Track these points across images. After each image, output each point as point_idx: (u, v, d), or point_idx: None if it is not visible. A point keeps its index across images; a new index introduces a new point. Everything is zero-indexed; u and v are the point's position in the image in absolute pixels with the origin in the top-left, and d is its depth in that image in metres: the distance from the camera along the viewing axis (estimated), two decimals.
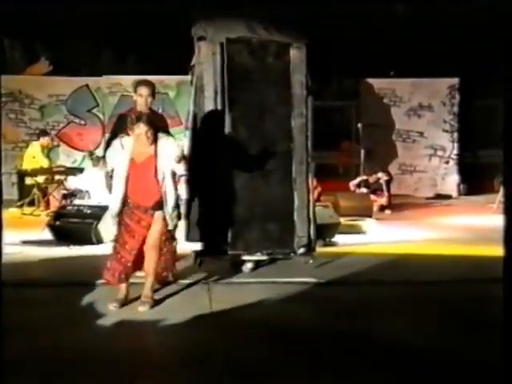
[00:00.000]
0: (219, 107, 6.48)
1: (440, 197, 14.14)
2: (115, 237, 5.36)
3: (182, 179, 8.53)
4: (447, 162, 14.71)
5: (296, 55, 6.58)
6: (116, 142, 5.32)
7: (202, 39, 6.55)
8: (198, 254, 6.55)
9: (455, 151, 14.65)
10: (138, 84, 6.21)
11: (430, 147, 14.77)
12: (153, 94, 6.18)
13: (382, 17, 17.27)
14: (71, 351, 4.20)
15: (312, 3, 13.91)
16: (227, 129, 6.48)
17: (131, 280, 5.36)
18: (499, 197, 10.89)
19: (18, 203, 11.53)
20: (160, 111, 14.13)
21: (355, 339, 4.49)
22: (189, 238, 6.57)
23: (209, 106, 6.50)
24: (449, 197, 13.90)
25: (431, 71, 14.42)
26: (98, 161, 5.43)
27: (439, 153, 14.80)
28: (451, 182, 14.60)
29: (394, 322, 4.88)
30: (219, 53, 6.49)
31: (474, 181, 14.36)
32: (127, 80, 14.36)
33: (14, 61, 17.97)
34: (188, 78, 7.37)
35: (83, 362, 4.04)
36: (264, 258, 6.54)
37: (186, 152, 5.88)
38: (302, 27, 6.71)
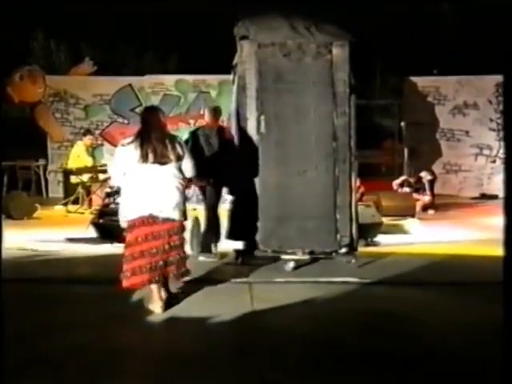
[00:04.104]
0: (260, 106, 6.48)
1: (486, 197, 13.86)
2: None
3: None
4: (494, 161, 14.42)
5: (339, 53, 6.53)
6: None
7: (244, 38, 6.56)
8: (239, 252, 6.57)
9: (502, 150, 14.34)
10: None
11: (476, 146, 14.51)
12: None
13: (425, 15, 17.05)
14: (114, 348, 4.25)
15: (356, 2, 13.80)
16: (264, 129, 6.47)
17: None
18: None
19: (63, 201, 11.74)
20: (202, 111, 14.35)
21: (396, 340, 4.43)
22: (230, 237, 6.60)
23: (251, 105, 6.50)
24: (495, 197, 13.60)
25: (477, 69, 14.16)
26: None
27: (485, 152, 14.52)
28: (498, 181, 14.29)
29: (436, 323, 4.80)
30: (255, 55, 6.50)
31: None
32: (169, 79, 14.52)
33: (60, 62, 18.35)
34: (230, 77, 7.39)
35: (124, 358, 4.08)
36: (306, 257, 6.51)
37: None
38: (345, 26, 6.64)
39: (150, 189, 5.05)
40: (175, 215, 5.11)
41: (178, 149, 5.11)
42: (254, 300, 5.38)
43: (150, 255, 5.01)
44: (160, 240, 5.05)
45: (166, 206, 5.06)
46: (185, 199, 5.29)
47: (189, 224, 7.13)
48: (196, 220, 7.40)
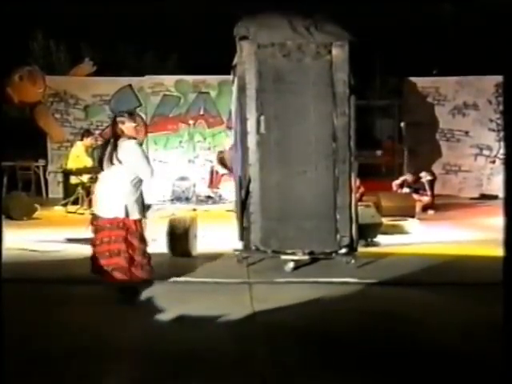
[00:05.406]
0: (260, 107, 6.48)
1: (485, 197, 13.84)
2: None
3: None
4: (493, 162, 14.41)
5: (338, 54, 6.52)
6: None
7: (244, 39, 6.55)
8: (239, 252, 6.57)
9: (502, 150, 14.33)
10: None
11: (476, 146, 14.49)
12: None
13: (425, 15, 17.05)
14: (111, 348, 4.25)
15: (356, 2, 13.81)
16: (264, 129, 6.47)
17: None
18: None
19: (63, 202, 11.73)
20: (202, 111, 14.36)
21: (396, 340, 4.44)
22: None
23: (250, 105, 6.50)
24: (495, 197, 13.59)
25: (477, 69, 14.14)
26: None
27: (485, 152, 14.51)
28: (497, 182, 14.27)
29: (436, 323, 4.80)
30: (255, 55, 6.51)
31: None
32: (169, 80, 14.51)
33: (60, 62, 18.34)
34: (230, 77, 7.39)
35: (124, 359, 4.08)
36: (305, 257, 6.51)
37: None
38: (344, 26, 6.64)
39: (98, 188, 5.76)
40: (116, 213, 5.47)
41: (119, 155, 5.42)
42: (254, 300, 5.38)
43: (105, 244, 5.51)
44: (107, 231, 5.50)
45: (107, 205, 5.53)
46: (134, 198, 5.51)
47: (189, 224, 7.17)
48: (194, 220, 7.41)
